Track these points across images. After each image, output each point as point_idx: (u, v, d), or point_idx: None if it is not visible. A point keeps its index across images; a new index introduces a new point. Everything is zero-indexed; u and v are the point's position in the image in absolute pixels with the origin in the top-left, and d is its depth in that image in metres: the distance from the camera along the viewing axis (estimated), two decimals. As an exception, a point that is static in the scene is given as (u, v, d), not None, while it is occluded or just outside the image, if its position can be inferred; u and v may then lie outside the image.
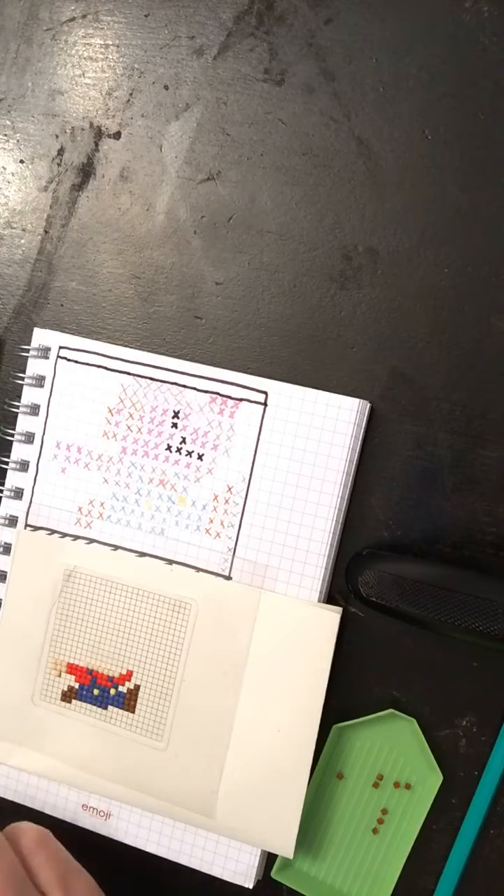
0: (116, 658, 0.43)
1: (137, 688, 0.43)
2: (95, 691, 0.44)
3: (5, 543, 0.45)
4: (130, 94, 0.44)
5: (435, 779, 0.40)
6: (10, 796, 0.46)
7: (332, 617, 0.40)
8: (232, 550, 0.42)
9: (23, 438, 0.45)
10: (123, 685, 0.43)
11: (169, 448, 0.43)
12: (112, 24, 0.44)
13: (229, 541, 0.42)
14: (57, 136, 0.45)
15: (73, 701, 0.44)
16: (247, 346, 0.42)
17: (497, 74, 0.39)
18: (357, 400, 0.40)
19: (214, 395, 0.42)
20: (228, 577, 0.42)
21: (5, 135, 0.45)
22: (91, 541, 0.44)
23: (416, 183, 0.40)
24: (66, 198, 0.45)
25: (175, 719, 0.42)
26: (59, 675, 0.44)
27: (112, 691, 0.43)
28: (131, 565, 0.43)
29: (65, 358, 0.44)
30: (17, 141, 0.45)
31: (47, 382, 0.45)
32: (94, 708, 0.44)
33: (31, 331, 0.45)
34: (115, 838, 0.44)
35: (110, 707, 0.43)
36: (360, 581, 0.39)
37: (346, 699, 0.41)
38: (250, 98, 0.42)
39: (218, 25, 0.42)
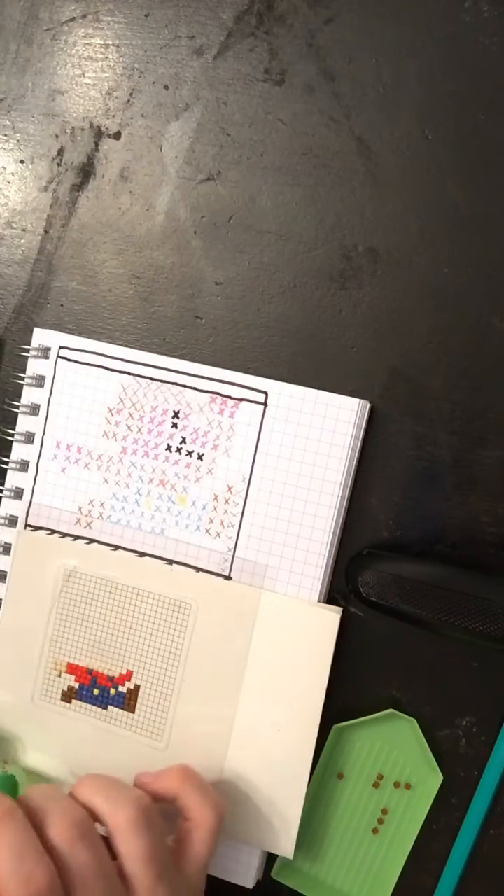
0: (116, 658, 0.43)
1: (137, 688, 0.43)
2: (95, 691, 0.44)
3: (5, 543, 0.45)
4: (130, 94, 0.44)
5: (435, 779, 0.40)
6: (10, 796, 0.46)
7: (332, 617, 0.40)
8: (232, 550, 0.42)
9: (23, 438, 0.45)
10: (123, 685, 0.43)
11: (169, 448, 0.43)
12: (112, 24, 0.44)
13: (229, 541, 0.42)
14: (57, 136, 0.45)
15: (73, 701, 0.44)
16: (247, 346, 0.42)
17: (497, 74, 0.39)
18: (357, 400, 0.40)
19: (214, 395, 0.42)
20: (228, 577, 0.42)
21: (5, 135, 0.45)
22: (91, 541, 0.44)
23: (416, 183, 0.40)
24: (66, 198, 0.45)
25: (175, 719, 0.42)
26: (59, 675, 0.44)
27: (112, 691, 0.43)
28: (131, 565, 0.43)
29: (65, 358, 0.44)
30: (17, 141, 0.45)
31: (47, 382, 0.45)
32: (94, 708, 0.44)
33: (31, 331, 0.45)
34: (115, 838, 0.44)
35: (110, 707, 0.43)
36: (360, 581, 0.39)
37: (346, 699, 0.41)
38: (250, 98, 0.42)
39: (218, 25, 0.42)
